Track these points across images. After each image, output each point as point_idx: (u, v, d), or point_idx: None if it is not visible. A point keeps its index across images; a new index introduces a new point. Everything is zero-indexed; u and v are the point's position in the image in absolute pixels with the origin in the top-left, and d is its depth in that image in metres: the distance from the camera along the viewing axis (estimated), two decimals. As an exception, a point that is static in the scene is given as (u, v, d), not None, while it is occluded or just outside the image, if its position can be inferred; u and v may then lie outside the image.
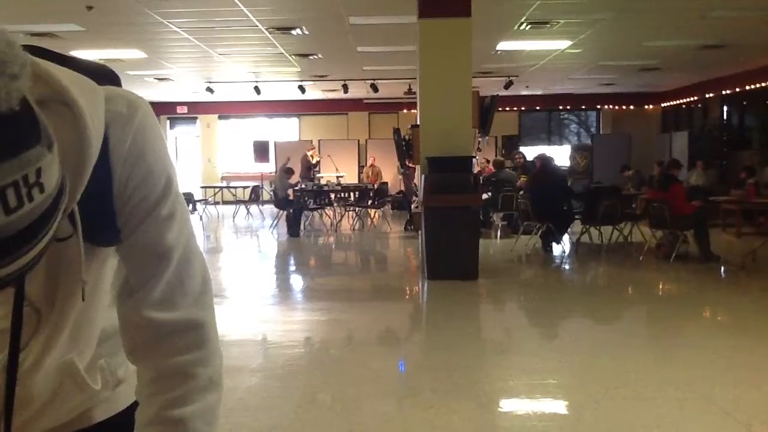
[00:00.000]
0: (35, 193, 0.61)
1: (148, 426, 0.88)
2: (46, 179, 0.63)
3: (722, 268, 7.88)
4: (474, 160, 7.83)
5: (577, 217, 9.46)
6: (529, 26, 9.30)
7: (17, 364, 0.80)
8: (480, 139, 9.01)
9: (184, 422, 0.86)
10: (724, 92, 14.67)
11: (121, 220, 0.83)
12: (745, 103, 14.62)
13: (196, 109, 18.44)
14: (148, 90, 14.90)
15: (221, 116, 18.88)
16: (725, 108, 15.32)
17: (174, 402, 0.87)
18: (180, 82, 14.40)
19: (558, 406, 3.70)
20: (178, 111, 18.55)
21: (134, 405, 1.00)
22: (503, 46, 10.73)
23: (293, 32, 9.47)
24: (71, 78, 0.75)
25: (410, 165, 10.05)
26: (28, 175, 0.60)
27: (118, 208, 0.82)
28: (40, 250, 0.65)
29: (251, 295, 6.92)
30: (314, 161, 15.19)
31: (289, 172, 12.69)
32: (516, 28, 9.40)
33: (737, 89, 14.02)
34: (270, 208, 14.86)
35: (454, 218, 6.98)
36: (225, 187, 17.06)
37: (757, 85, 13.24)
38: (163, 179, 0.85)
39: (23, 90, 0.61)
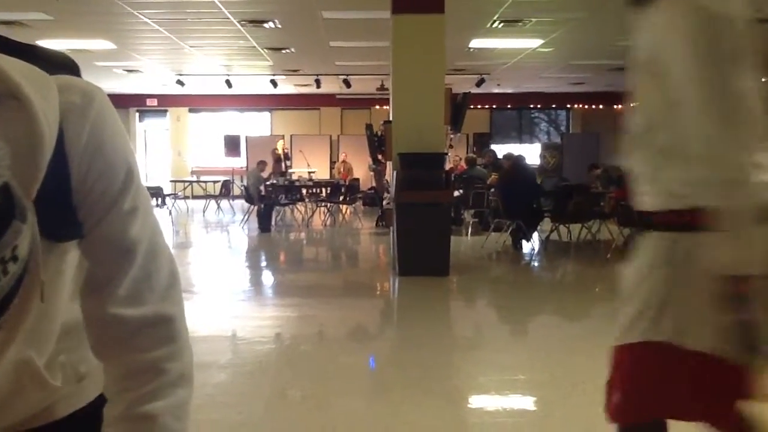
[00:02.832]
0: (10, 266, 0.63)
1: (118, 422, 0.85)
2: (20, 250, 0.64)
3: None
4: (446, 156, 7.86)
5: (546, 214, 9.56)
6: (501, 24, 9.36)
7: None
8: (452, 136, 9.05)
9: (154, 418, 0.84)
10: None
11: (81, 216, 0.81)
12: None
13: (166, 101, 18.18)
14: (117, 81, 14.66)
15: (192, 109, 18.65)
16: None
17: (144, 398, 0.84)
18: (150, 74, 14.19)
19: (528, 402, 3.74)
20: (148, 103, 18.27)
21: (98, 400, 0.98)
22: (476, 43, 10.79)
23: (265, 25, 9.39)
24: (22, 70, 0.72)
25: (382, 161, 10.06)
26: (4, 256, 0.62)
27: (78, 203, 0.79)
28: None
29: (221, 291, 6.85)
30: (280, 152, 15.07)
31: (262, 164, 12.64)
32: (489, 25, 9.45)
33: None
34: (241, 203, 14.73)
35: (425, 215, 7.00)
36: (195, 182, 16.86)
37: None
38: (123, 171, 0.82)
39: (4, 178, 0.61)
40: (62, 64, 0.85)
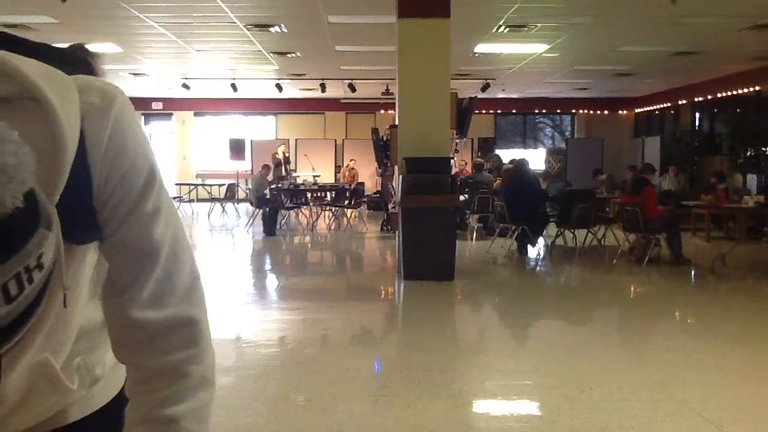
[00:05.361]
0: (35, 274, 0.62)
1: (139, 424, 0.85)
2: (45, 258, 0.63)
3: (693, 272, 8.01)
4: (452, 161, 7.86)
5: (551, 219, 9.55)
6: (507, 29, 9.36)
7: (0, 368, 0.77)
8: (457, 141, 9.05)
9: (177, 421, 0.84)
10: (695, 99, 14.93)
11: (103, 218, 0.79)
12: (715, 110, 14.90)
13: (172, 105, 18.23)
14: (122, 85, 14.48)
15: (197, 113, 18.70)
16: (697, 114, 15.59)
17: (166, 400, 0.84)
18: (155, 77, 14.23)
19: (534, 407, 3.72)
20: (153, 107, 18.32)
21: (111, 403, 0.98)
22: (481, 48, 10.79)
23: (271, 29, 9.41)
24: (39, 71, 0.71)
25: (389, 165, 10.06)
26: (30, 264, 0.61)
27: (99, 206, 0.78)
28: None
29: (226, 294, 6.85)
30: (280, 156, 15.05)
31: (266, 168, 12.66)
32: (494, 30, 9.46)
33: (708, 96, 14.28)
34: (246, 207, 14.75)
35: (431, 219, 6.99)
36: (200, 185, 16.89)
37: (727, 93, 13.50)
38: (145, 172, 0.81)
39: (29, 184, 0.60)
40: (78, 64, 0.85)
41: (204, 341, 0.88)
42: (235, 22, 8.87)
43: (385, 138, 8.90)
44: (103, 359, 0.96)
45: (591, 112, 18.58)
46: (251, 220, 12.65)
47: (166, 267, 0.84)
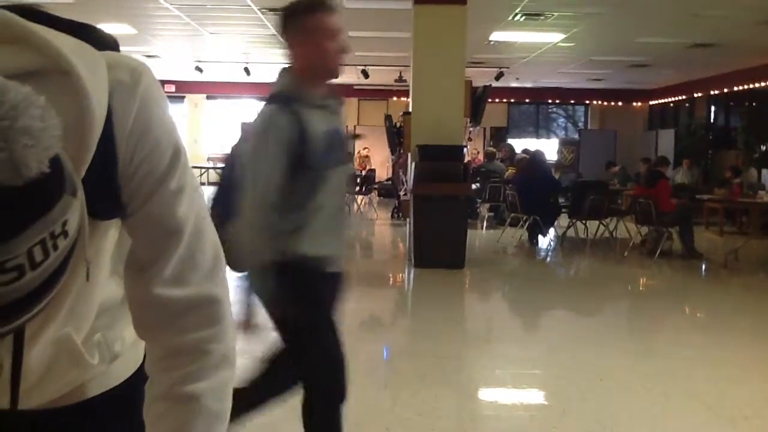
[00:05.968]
0: (60, 241, 0.61)
1: (159, 401, 0.85)
2: (70, 225, 0.62)
3: (705, 266, 7.96)
4: (464, 149, 7.83)
5: (563, 210, 9.50)
6: (523, 17, 9.27)
7: (23, 340, 0.76)
8: (471, 129, 9.01)
9: (196, 398, 0.84)
10: (711, 92, 14.78)
11: (126, 196, 0.79)
12: (731, 103, 14.74)
13: (184, 88, 18.21)
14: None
15: (209, 96, 18.68)
16: (712, 108, 15.44)
17: (186, 378, 0.84)
18: (168, 60, 14.22)
19: (544, 397, 3.72)
20: (166, 90, 18.20)
21: (130, 379, 0.98)
22: (497, 36, 10.70)
23: (286, 14, 9.36)
24: (70, 45, 0.71)
25: (402, 152, 10.04)
26: (55, 230, 0.60)
27: (124, 183, 0.78)
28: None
29: (233, 278, 6.87)
30: None
31: None
32: (510, 18, 9.37)
33: (724, 90, 14.13)
34: (256, 191, 14.74)
35: (442, 207, 6.97)
36: (211, 168, 16.91)
37: (743, 87, 13.35)
38: (170, 151, 0.81)
39: (55, 149, 0.59)
40: (106, 42, 0.84)
41: (225, 320, 0.87)
42: (249, 5, 8.84)
43: (398, 125, 8.86)
44: (122, 336, 0.96)
45: (605, 103, 18.42)
46: (262, 205, 12.66)
47: (189, 245, 0.83)
